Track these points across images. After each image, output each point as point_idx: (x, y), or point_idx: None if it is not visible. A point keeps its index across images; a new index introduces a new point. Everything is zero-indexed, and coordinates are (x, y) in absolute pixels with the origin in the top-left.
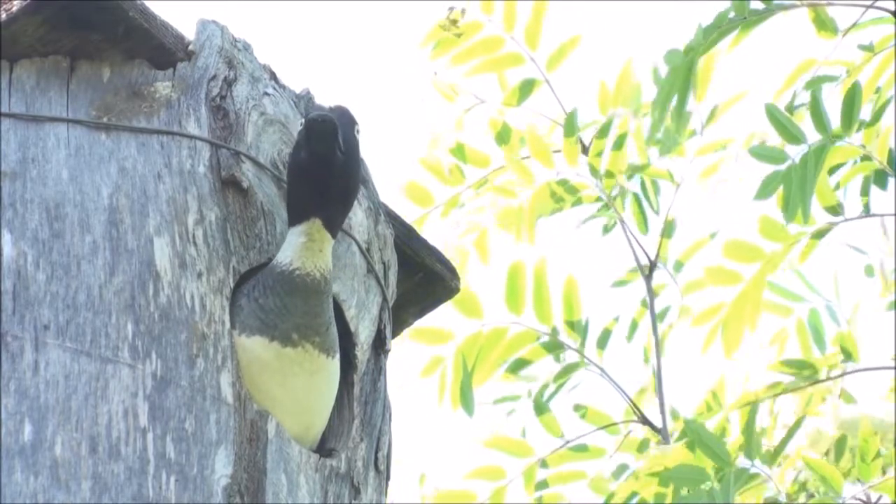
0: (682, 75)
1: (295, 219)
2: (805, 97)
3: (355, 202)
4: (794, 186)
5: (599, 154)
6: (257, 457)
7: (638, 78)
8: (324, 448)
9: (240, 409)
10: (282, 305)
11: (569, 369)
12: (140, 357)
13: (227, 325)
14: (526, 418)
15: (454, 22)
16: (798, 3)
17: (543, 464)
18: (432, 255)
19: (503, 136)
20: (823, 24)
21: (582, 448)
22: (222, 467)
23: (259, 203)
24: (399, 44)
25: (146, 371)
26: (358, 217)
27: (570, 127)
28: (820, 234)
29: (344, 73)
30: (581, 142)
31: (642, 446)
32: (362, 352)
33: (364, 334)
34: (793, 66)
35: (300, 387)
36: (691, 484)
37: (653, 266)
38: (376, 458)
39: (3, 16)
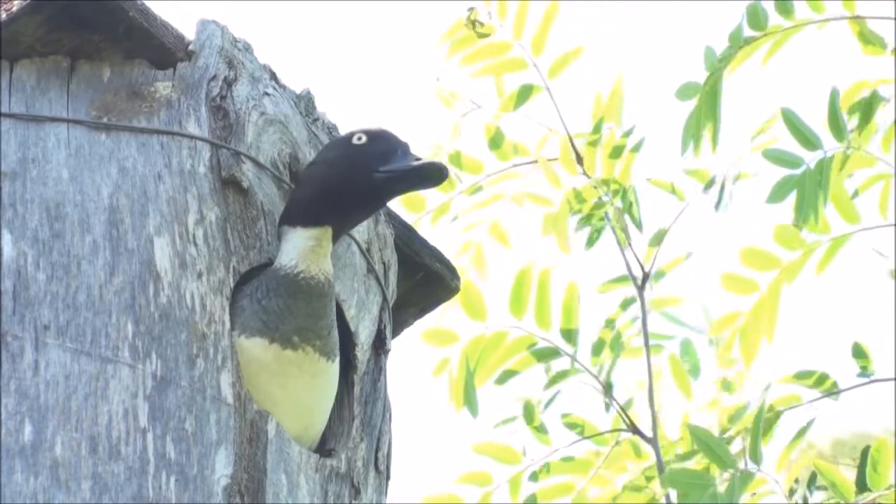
0: (708, 100)
1: (304, 221)
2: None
3: None
4: (807, 191)
5: (602, 168)
6: (257, 457)
7: (626, 92)
8: (324, 448)
9: (240, 410)
10: (285, 307)
11: (560, 376)
12: (140, 357)
13: (227, 325)
14: (523, 426)
15: (474, 23)
16: (820, 18)
17: (533, 477)
18: (432, 255)
19: (496, 142)
20: (868, 39)
21: (569, 460)
22: (222, 467)
23: (259, 203)
24: (408, 43)
25: (146, 371)
26: None
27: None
28: (839, 243)
29: (348, 76)
30: (576, 151)
31: (628, 456)
32: (362, 352)
33: (364, 334)
34: (841, 84)
35: (300, 388)
36: (694, 488)
37: (646, 277)
38: (376, 458)
39: (3, 16)
